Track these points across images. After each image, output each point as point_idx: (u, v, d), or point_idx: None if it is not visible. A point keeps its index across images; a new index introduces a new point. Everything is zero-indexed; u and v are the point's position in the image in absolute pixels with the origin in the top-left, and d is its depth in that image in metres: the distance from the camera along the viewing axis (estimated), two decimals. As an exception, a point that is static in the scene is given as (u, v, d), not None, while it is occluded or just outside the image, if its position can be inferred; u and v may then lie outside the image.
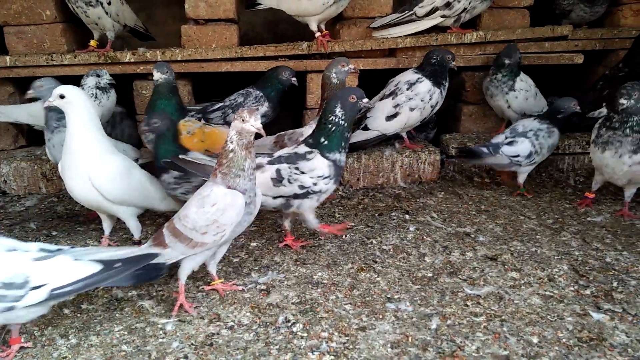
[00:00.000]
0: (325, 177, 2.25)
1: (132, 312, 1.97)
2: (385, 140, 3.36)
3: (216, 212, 1.86)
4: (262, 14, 3.96)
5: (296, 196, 2.27)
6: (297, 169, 2.24)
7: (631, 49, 3.36)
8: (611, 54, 3.66)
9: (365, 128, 3.24)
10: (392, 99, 3.14)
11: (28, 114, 3.25)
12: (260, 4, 3.52)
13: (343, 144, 2.25)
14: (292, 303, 2.01)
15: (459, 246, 2.46)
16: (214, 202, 1.87)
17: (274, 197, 2.29)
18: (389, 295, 2.05)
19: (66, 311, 1.99)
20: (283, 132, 2.92)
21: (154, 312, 1.97)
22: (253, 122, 1.82)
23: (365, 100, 2.25)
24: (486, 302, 1.99)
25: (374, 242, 2.51)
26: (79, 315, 1.97)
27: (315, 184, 2.25)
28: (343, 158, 2.28)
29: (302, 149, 2.29)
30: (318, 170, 2.24)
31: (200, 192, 1.94)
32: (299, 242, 2.48)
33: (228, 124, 3.28)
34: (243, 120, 1.83)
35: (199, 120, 3.25)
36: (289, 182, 2.24)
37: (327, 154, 2.24)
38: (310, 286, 2.13)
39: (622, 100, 2.50)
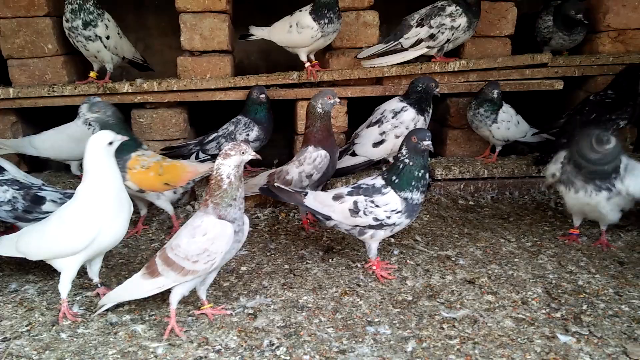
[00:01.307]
0: (399, 212, 2.36)
1: (126, 336, 2.07)
2: (374, 165, 3.50)
3: (206, 241, 1.98)
4: (257, 42, 4.11)
5: (371, 227, 2.40)
6: (372, 202, 2.37)
7: (618, 76, 3.46)
8: (590, 79, 3.80)
9: (354, 154, 3.38)
10: (379, 126, 3.27)
11: (31, 145, 3.42)
12: (252, 35, 3.69)
13: (414, 182, 2.33)
14: (278, 327, 2.12)
15: (440, 269, 2.56)
16: (205, 232, 1.98)
17: (352, 226, 2.43)
18: (369, 319, 2.16)
19: (63, 335, 2.09)
20: (273, 171, 3.06)
21: (146, 336, 2.07)
22: (250, 151, 1.99)
23: (426, 143, 2.27)
24: (461, 325, 2.10)
25: (359, 265, 2.62)
26: (75, 339, 2.07)
27: (388, 217, 2.36)
28: (416, 196, 2.35)
29: (379, 181, 2.41)
30: (392, 205, 2.35)
31: (191, 222, 2.05)
32: (385, 264, 2.60)
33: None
34: (243, 153, 1.97)
35: (189, 153, 3.46)
36: (365, 214, 2.37)
37: (399, 192, 2.35)
38: (295, 310, 2.23)
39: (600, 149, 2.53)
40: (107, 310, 2.23)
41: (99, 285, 2.39)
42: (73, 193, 2.74)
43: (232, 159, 1.98)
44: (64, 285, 2.20)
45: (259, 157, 2.03)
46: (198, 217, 2.05)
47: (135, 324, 2.14)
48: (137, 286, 2.09)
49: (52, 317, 2.20)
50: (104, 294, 2.33)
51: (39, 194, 2.70)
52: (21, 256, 2.28)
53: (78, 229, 2.14)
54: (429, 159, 3.67)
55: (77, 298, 2.35)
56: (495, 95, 3.36)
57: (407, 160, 2.33)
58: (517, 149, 3.88)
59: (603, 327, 2.06)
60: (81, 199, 2.18)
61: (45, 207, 2.68)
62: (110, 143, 2.16)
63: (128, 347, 2.01)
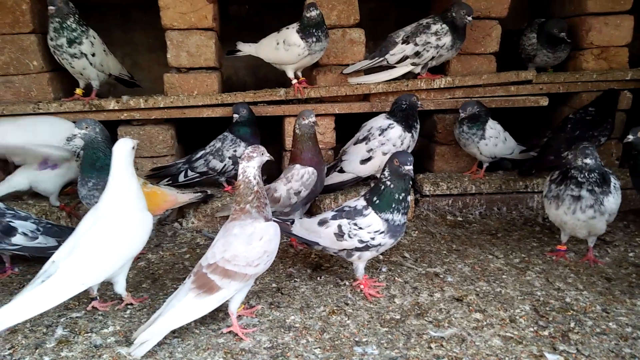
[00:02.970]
0: (382, 232, 2.36)
1: (110, 359, 2.04)
2: (362, 181, 3.50)
3: (264, 244, 2.11)
4: (244, 58, 4.12)
5: (358, 249, 2.40)
6: (355, 224, 2.37)
7: (601, 96, 3.54)
8: (575, 95, 3.84)
9: (341, 170, 3.38)
10: (366, 143, 3.28)
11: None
12: (240, 51, 3.70)
13: (394, 205, 2.33)
14: (264, 348, 2.09)
15: (428, 287, 2.56)
16: (261, 236, 2.12)
17: (340, 250, 2.44)
18: (357, 339, 2.14)
19: (46, 359, 2.05)
20: (267, 186, 3.04)
21: (131, 359, 2.03)
22: (267, 154, 2.20)
23: (407, 167, 2.26)
24: (449, 344, 2.09)
25: (347, 283, 2.60)
26: (58, 363, 2.04)
27: (373, 239, 2.36)
28: (397, 217, 2.35)
29: (361, 203, 2.42)
30: (374, 226, 2.35)
31: (241, 232, 2.12)
32: (372, 282, 2.58)
33: (211, 169, 3.42)
34: (262, 154, 2.18)
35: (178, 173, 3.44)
36: (349, 236, 2.38)
37: (379, 214, 2.35)
38: (282, 330, 2.21)
39: (588, 160, 2.57)
40: (91, 331, 2.20)
41: (97, 298, 2.38)
42: (50, 223, 2.80)
43: (255, 160, 2.16)
44: (124, 286, 2.35)
45: (273, 158, 2.26)
46: (247, 225, 2.13)
47: (120, 346, 2.10)
48: (195, 307, 2.06)
49: (36, 340, 2.15)
50: (102, 308, 2.37)
51: (11, 224, 2.62)
52: (79, 291, 2.17)
53: (129, 235, 2.26)
54: (416, 174, 3.71)
55: (62, 320, 2.30)
56: (463, 115, 3.38)
57: (388, 183, 2.34)
58: (502, 165, 3.91)
59: (591, 345, 2.06)
60: (117, 205, 2.27)
61: (15, 239, 2.61)
62: (134, 148, 2.34)
63: (112, 371, 1.97)
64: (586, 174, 2.58)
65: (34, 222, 2.71)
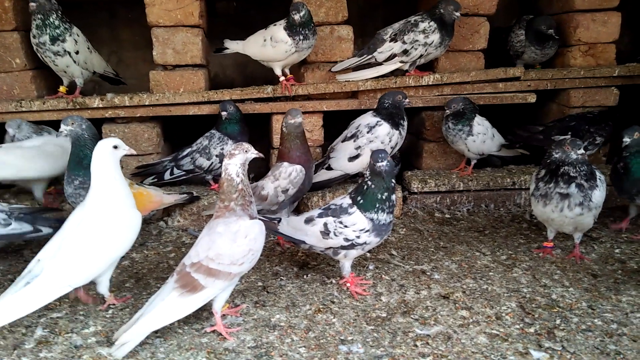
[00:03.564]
0: (367, 231, 2.34)
1: (91, 360, 2.01)
2: (350, 179, 3.47)
3: (249, 242, 2.08)
4: (232, 56, 4.08)
5: (343, 247, 2.38)
6: (341, 222, 2.35)
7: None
8: (563, 92, 3.84)
9: (329, 168, 3.35)
10: (354, 141, 3.25)
11: None
12: (227, 48, 3.67)
13: (378, 204, 2.32)
14: (248, 347, 2.06)
15: (415, 284, 2.54)
16: (246, 234, 2.08)
17: (326, 248, 2.42)
18: (342, 337, 2.12)
19: (24, 359, 2.02)
20: (254, 184, 3.01)
21: (111, 359, 2.00)
22: (253, 150, 2.16)
23: (379, 164, 2.27)
24: (434, 342, 2.07)
25: (334, 281, 2.58)
26: (37, 364, 2.00)
27: (358, 237, 2.34)
28: (382, 217, 2.33)
29: (347, 201, 2.40)
30: (359, 225, 2.33)
31: (226, 230, 2.08)
32: (359, 280, 2.56)
33: (198, 167, 3.38)
34: (246, 151, 2.14)
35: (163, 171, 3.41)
36: (335, 234, 2.36)
37: (364, 213, 2.33)
38: (267, 329, 2.18)
39: (581, 151, 2.55)
40: (71, 332, 2.16)
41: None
42: (22, 213, 2.73)
43: (236, 158, 2.12)
44: (107, 286, 2.31)
45: (262, 155, 2.20)
46: (231, 222, 2.09)
47: (101, 347, 2.07)
48: (178, 307, 2.03)
49: (14, 341, 2.12)
50: (85, 298, 2.34)
51: None
52: (65, 292, 2.14)
53: (118, 234, 2.21)
54: (404, 172, 3.69)
55: (42, 320, 2.26)
56: (448, 112, 3.39)
57: (369, 182, 2.33)
58: (490, 162, 3.90)
59: (576, 342, 2.05)
60: (105, 204, 2.21)
61: None
62: (115, 147, 2.24)
63: (93, 372, 1.94)
64: (579, 167, 2.56)
65: (3, 209, 2.64)
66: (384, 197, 2.32)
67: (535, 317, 2.23)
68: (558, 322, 2.19)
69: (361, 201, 2.34)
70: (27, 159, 3.15)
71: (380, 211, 2.32)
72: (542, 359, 1.95)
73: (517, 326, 2.17)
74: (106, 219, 2.20)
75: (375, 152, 2.32)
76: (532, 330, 2.14)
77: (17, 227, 2.60)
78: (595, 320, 2.20)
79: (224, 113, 3.32)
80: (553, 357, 1.96)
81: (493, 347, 2.03)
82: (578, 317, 2.22)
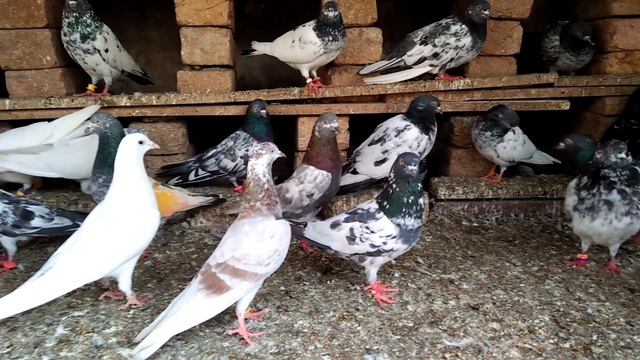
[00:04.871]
0: (394, 237, 2.27)
1: (111, 361, 1.98)
2: (376, 184, 3.41)
3: (275, 242, 2.05)
4: (259, 58, 4.06)
5: (369, 253, 2.32)
6: (367, 228, 2.29)
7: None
8: (598, 100, 3.72)
9: (355, 172, 3.29)
10: (381, 144, 3.19)
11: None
12: (254, 50, 3.64)
13: (404, 209, 2.24)
14: (271, 353, 2.01)
15: (442, 294, 2.46)
16: (272, 234, 2.05)
17: (352, 254, 2.36)
18: (367, 346, 2.05)
19: (45, 359, 1.98)
20: (279, 186, 2.96)
21: (133, 360, 1.97)
22: (278, 150, 2.15)
23: (410, 167, 2.18)
24: (464, 355, 1.99)
25: (358, 288, 2.52)
26: (58, 363, 1.97)
27: (385, 243, 2.28)
28: (410, 222, 2.25)
29: (374, 206, 2.33)
30: (386, 230, 2.27)
31: (252, 230, 2.05)
32: (384, 288, 2.50)
33: (222, 168, 3.36)
34: (272, 151, 2.12)
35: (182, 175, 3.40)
36: (361, 240, 2.30)
37: (391, 218, 2.27)
38: (290, 335, 2.13)
39: (622, 155, 2.43)
40: (92, 331, 2.14)
41: (109, 288, 2.39)
42: (60, 209, 2.83)
43: (263, 158, 2.10)
44: (128, 284, 2.29)
45: (284, 155, 2.19)
46: (257, 223, 2.07)
47: (121, 347, 2.04)
48: (203, 309, 2.00)
49: (35, 339, 2.10)
50: (116, 297, 2.36)
51: (27, 208, 2.67)
52: (75, 287, 2.16)
53: (132, 232, 2.19)
54: (431, 178, 3.61)
55: (63, 318, 2.25)
56: (509, 127, 3.25)
57: (394, 186, 2.25)
58: (520, 170, 3.79)
59: (615, 360, 1.95)
60: (122, 201, 2.21)
61: (34, 222, 2.66)
62: (141, 142, 2.24)
63: (112, 373, 1.91)
64: (619, 171, 2.45)
65: (46, 206, 2.76)
66: (410, 200, 2.24)
67: (571, 331, 2.13)
68: (595, 337, 2.09)
69: (387, 206, 2.27)
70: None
71: (407, 216, 2.24)
72: (578, 377, 1.85)
73: (552, 341, 2.07)
74: (122, 216, 2.19)
75: (406, 155, 2.23)
76: (567, 345, 2.04)
77: (59, 222, 2.71)
78: (635, 337, 2.09)
79: (263, 112, 3.29)
80: (591, 376, 1.86)
81: (526, 362, 1.94)
82: (616, 334, 2.12)
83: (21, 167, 3.19)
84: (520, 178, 3.59)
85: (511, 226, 3.31)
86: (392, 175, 2.27)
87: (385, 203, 2.28)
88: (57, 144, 3.23)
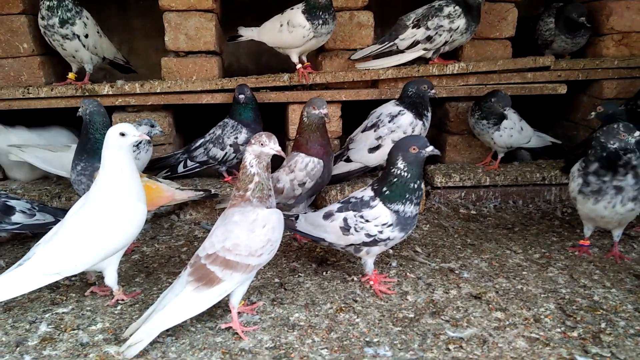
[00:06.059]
0: (390, 225, 2.16)
1: (97, 359, 1.86)
2: (370, 172, 3.31)
3: (268, 232, 1.94)
4: (246, 44, 3.94)
5: (365, 243, 2.21)
6: (362, 217, 2.18)
7: None
8: (595, 83, 3.65)
9: (348, 160, 3.19)
10: (374, 131, 3.09)
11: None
12: (241, 36, 3.51)
13: (407, 195, 2.14)
14: (266, 348, 1.91)
15: (443, 283, 2.37)
16: (264, 223, 1.94)
17: (347, 245, 2.25)
18: (367, 339, 1.95)
19: (27, 358, 1.86)
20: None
21: (120, 359, 1.85)
22: (272, 146, 1.95)
23: (429, 148, 2.12)
24: (469, 346, 1.90)
25: (355, 279, 2.42)
26: (40, 363, 1.85)
27: (381, 232, 2.17)
28: (409, 209, 2.16)
29: (368, 194, 2.22)
30: (381, 218, 2.16)
31: (243, 219, 1.94)
32: (383, 278, 2.40)
33: (211, 158, 3.24)
34: (262, 145, 1.94)
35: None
36: (356, 230, 2.19)
37: (389, 205, 2.16)
38: (286, 329, 2.03)
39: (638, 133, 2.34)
40: (77, 328, 2.02)
41: (96, 283, 2.29)
42: (42, 204, 2.74)
43: (252, 147, 1.97)
44: (114, 278, 2.18)
45: (283, 154, 2.01)
46: (248, 212, 1.95)
47: (108, 345, 1.93)
48: (193, 303, 1.89)
49: (17, 337, 1.98)
50: (102, 293, 2.26)
51: (8, 203, 2.56)
52: (53, 280, 2.05)
53: (114, 226, 2.07)
54: (427, 165, 3.52)
55: (46, 315, 2.13)
56: (505, 112, 3.15)
57: (404, 173, 2.13)
58: (518, 155, 3.71)
59: (626, 348, 1.87)
60: (105, 193, 2.09)
61: (15, 217, 2.56)
62: (122, 134, 2.06)
63: (99, 372, 1.79)
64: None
65: (27, 201, 2.67)
66: (415, 186, 2.14)
67: (578, 320, 2.05)
68: (603, 325, 2.01)
69: (387, 192, 2.16)
70: None
71: (408, 202, 2.15)
72: (590, 366, 1.77)
73: (559, 329, 1.99)
74: (104, 209, 2.07)
75: (416, 139, 2.13)
76: (575, 334, 1.96)
77: (41, 218, 2.62)
78: (644, 324, 2.02)
79: (241, 96, 3.16)
80: (602, 365, 1.78)
81: (534, 352, 1.85)
82: (625, 321, 2.04)
83: (39, 162, 3.16)
84: (517, 164, 3.52)
85: (510, 213, 3.23)
86: (400, 164, 2.13)
87: (384, 189, 2.17)
88: (74, 147, 3.13)
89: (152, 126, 3.06)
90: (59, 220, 2.51)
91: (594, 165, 2.43)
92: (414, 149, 2.11)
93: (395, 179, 2.15)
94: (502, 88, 3.36)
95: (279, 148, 1.97)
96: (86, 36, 3.18)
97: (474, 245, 2.78)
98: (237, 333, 1.98)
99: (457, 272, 2.47)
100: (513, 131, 3.30)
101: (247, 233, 1.92)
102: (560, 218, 3.14)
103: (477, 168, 3.44)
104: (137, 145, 3.04)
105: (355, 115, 3.48)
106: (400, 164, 2.13)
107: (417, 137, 2.18)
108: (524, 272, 2.46)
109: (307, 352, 1.88)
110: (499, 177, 3.31)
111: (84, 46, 3.19)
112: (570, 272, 2.46)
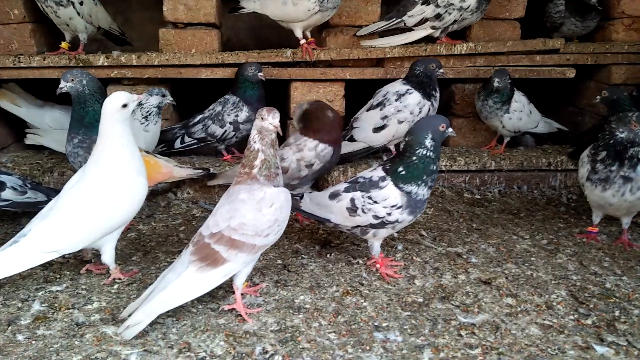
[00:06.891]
0: (399, 207, 2.08)
1: (94, 340, 1.77)
2: (373, 153, 3.23)
3: (275, 211, 1.87)
4: (246, 19, 3.81)
5: (372, 225, 2.13)
6: (370, 197, 2.10)
7: None
8: (603, 68, 3.58)
9: (352, 139, 3.10)
10: (380, 109, 3.00)
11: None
12: (243, 7, 3.38)
13: (425, 177, 2.07)
14: (271, 331, 1.84)
15: (451, 268, 2.31)
16: (271, 202, 1.87)
17: (353, 227, 2.17)
18: (376, 323, 1.89)
19: (20, 337, 1.78)
20: None
21: (118, 339, 1.77)
22: (271, 120, 1.86)
23: (450, 130, 2.10)
24: (481, 332, 1.84)
25: (360, 262, 2.35)
26: (33, 342, 1.76)
27: (389, 214, 2.09)
28: (422, 191, 2.08)
29: (378, 174, 2.13)
30: (391, 200, 2.08)
31: (250, 197, 1.86)
32: (389, 261, 2.33)
33: (210, 135, 3.14)
34: (262, 119, 1.87)
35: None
36: (363, 211, 2.11)
37: (402, 185, 2.07)
38: (291, 311, 1.96)
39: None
40: (73, 307, 1.94)
41: (91, 260, 2.21)
42: (34, 183, 2.63)
43: (255, 122, 1.90)
44: (111, 256, 2.10)
45: (279, 129, 1.89)
46: (255, 190, 1.87)
47: (105, 325, 1.84)
48: (197, 283, 1.81)
49: (9, 315, 1.90)
50: (98, 271, 2.17)
51: None
52: (50, 258, 1.96)
53: (113, 201, 1.98)
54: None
55: (39, 293, 2.04)
56: (500, 85, 3.07)
57: (430, 153, 2.05)
58: (522, 141, 3.64)
59: (642, 337, 1.83)
60: (104, 166, 1.98)
61: (5, 194, 2.44)
62: (125, 105, 1.96)
63: (96, 353, 1.71)
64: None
65: (18, 177, 2.56)
66: (435, 167, 2.07)
67: (591, 307, 2.00)
68: (617, 313, 1.96)
69: (403, 172, 2.08)
70: None
71: (423, 185, 2.07)
72: (607, 355, 1.72)
73: (572, 317, 1.94)
74: (104, 183, 1.97)
75: (440, 117, 2.14)
76: (589, 322, 1.91)
77: (32, 196, 2.52)
78: (659, 313, 1.98)
79: (260, 74, 3.05)
80: (619, 354, 1.73)
81: (548, 340, 1.80)
82: (638, 309, 1.99)
83: (57, 145, 3.11)
84: (523, 149, 3.45)
85: (515, 198, 3.17)
86: (429, 143, 2.04)
87: (400, 169, 2.08)
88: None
89: (164, 96, 2.94)
90: (51, 199, 2.43)
91: (602, 153, 2.39)
92: (442, 126, 2.04)
93: (416, 159, 2.06)
94: (510, 70, 3.28)
95: (278, 123, 1.87)
96: (81, 3, 3.03)
97: (480, 230, 2.72)
98: (240, 315, 1.91)
99: (464, 256, 2.41)
100: (522, 114, 3.22)
101: (254, 212, 1.84)
102: (566, 204, 3.09)
103: (482, 152, 3.37)
104: (146, 117, 2.91)
105: (360, 94, 3.38)
106: (429, 142, 2.05)
107: (441, 116, 2.12)
108: (532, 258, 2.40)
109: (315, 336, 1.81)
110: (504, 162, 3.24)
111: (78, 14, 3.04)
112: (579, 258, 2.41)
